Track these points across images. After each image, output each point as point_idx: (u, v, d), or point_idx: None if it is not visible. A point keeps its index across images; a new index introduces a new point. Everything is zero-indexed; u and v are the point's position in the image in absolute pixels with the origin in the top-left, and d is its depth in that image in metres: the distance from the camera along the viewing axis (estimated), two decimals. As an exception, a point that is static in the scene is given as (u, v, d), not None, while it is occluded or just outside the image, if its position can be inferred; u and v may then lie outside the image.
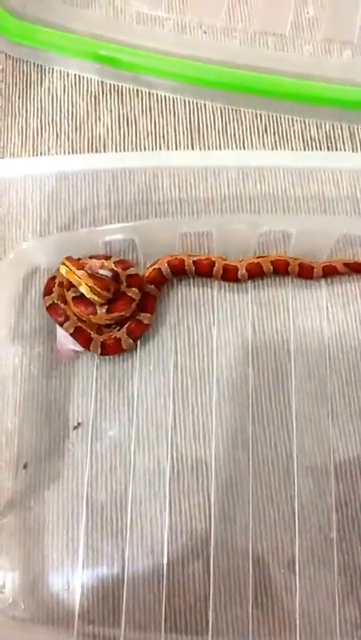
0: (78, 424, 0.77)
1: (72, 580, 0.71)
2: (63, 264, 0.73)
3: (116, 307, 0.76)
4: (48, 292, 0.78)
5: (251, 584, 0.71)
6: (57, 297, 0.77)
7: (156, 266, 0.79)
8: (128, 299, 0.76)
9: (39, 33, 0.91)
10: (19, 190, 0.78)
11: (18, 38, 0.93)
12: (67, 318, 0.76)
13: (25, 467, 0.76)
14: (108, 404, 0.78)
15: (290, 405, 0.77)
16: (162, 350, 0.80)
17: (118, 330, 0.77)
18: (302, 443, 0.76)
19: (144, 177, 0.81)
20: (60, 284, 0.77)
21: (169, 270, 0.79)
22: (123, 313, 0.76)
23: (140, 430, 0.76)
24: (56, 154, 0.89)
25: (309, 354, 0.79)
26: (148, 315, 0.78)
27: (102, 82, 0.94)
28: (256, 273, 0.79)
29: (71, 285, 0.76)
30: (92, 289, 0.73)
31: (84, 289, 0.73)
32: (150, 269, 0.79)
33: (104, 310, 0.75)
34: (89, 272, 0.73)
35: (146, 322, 0.78)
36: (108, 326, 0.78)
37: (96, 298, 0.74)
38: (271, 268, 0.79)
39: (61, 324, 0.77)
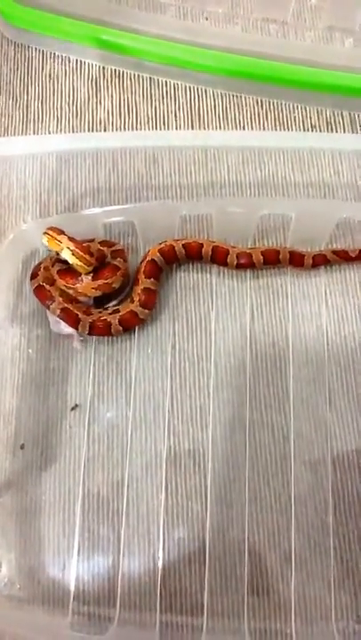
0: (76, 405, 0.77)
1: (68, 561, 0.71)
2: (45, 233, 0.73)
3: (101, 274, 0.76)
4: (34, 275, 0.78)
5: (246, 567, 0.71)
6: (43, 279, 0.77)
7: (148, 257, 0.79)
8: (113, 266, 0.77)
9: (41, 18, 0.91)
10: (19, 172, 0.78)
11: (20, 23, 0.93)
12: (53, 300, 0.76)
13: (22, 447, 0.75)
14: (105, 387, 0.78)
15: (287, 391, 0.77)
16: (160, 333, 0.80)
17: (110, 314, 0.77)
18: (300, 428, 0.76)
19: (144, 160, 0.81)
20: (46, 267, 0.77)
21: (162, 259, 0.79)
22: (108, 281, 0.76)
23: (137, 413, 0.76)
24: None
25: (308, 340, 0.79)
26: (147, 311, 0.78)
27: (103, 67, 0.94)
28: (247, 262, 0.79)
29: (56, 261, 0.76)
30: (74, 252, 0.73)
31: (67, 254, 0.73)
32: (145, 263, 0.79)
33: (90, 278, 0.76)
34: (70, 236, 0.74)
35: (142, 317, 0.78)
36: (99, 305, 0.78)
37: (79, 262, 0.74)
38: (261, 258, 0.79)
39: (48, 307, 0.77)
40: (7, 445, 0.76)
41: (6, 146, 0.72)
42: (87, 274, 0.76)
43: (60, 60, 0.95)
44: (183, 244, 0.79)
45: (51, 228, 0.74)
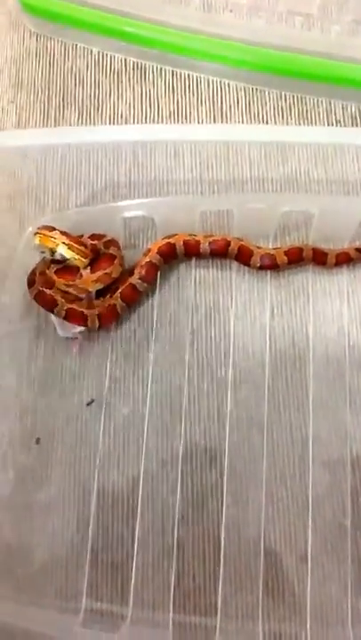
0: (92, 401, 0.76)
1: (81, 557, 0.71)
2: (36, 234, 0.73)
3: (99, 265, 0.76)
4: (31, 283, 0.77)
5: (262, 569, 0.70)
6: (41, 284, 0.76)
7: (171, 240, 0.78)
8: (109, 256, 0.76)
9: (63, 9, 0.90)
10: (39, 164, 0.78)
11: (41, 14, 0.92)
12: (55, 303, 0.75)
13: (37, 442, 0.75)
14: (122, 382, 0.77)
15: (307, 391, 0.76)
16: (178, 330, 0.79)
17: (111, 297, 0.77)
18: (318, 429, 0.74)
19: (165, 155, 0.80)
20: (42, 272, 0.77)
21: (183, 249, 0.78)
22: (107, 271, 0.76)
23: (153, 410, 0.76)
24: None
25: (328, 340, 0.78)
26: (145, 284, 0.77)
27: (125, 59, 0.93)
28: (270, 264, 0.78)
29: (50, 263, 0.76)
30: (70, 246, 0.73)
31: (63, 249, 0.73)
32: (162, 241, 0.78)
33: (88, 271, 0.75)
34: (62, 231, 0.73)
35: (140, 289, 0.77)
36: (99, 297, 0.78)
37: (76, 256, 0.74)
38: (285, 259, 0.78)
39: (52, 311, 0.76)
40: (22, 440, 0.75)
41: (25, 138, 0.71)
42: (85, 267, 0.75)
43: (81, 52, 0.94)
44: (210, 242, 0.78)
45: (41, 228, 0.73)
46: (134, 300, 0.78)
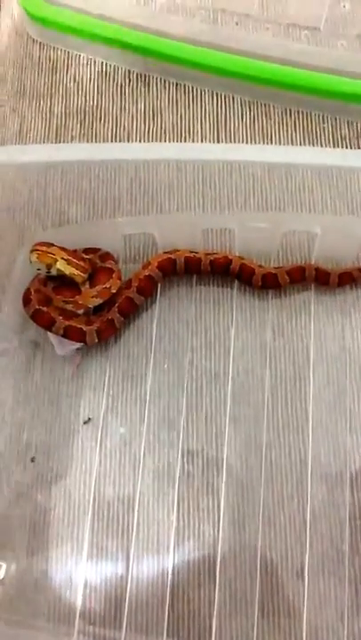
0: (89, 419, 0.75)
1: (75, 578, 0.70)
2: (33, 251, 0.71)
3: (97, 279, 0.75)
4: (27, 302, 0.76)
5: (258, 593, 0.69)
6: (37, 303, 0.75)
7: (172, 255, 0.78)
8: (106, 270, 0.75)
9: (67, 18, 0.90)
10: (39, 178, 0.77)
11: (45, 23, 0.91)
12: (53, 321, 0.74)
13: (32, 460, 0.74)
14: (119, 401, 0.76)
15: (307, 412, 0.75)
16: (177, 348, 0.78)
17: (109, 311, 0.76)
18: (318, 451, 0.73)
19: (167, 170, 0.79)
20: (37, 290, 0.76)
21: (183, 265, 0.78)
22: (106, 285, 0.75)
23: (150, 429, 0.75)
24: (80, 142, 0.88)
25: (329, 360, 0.77)
26: (142, 297, 0.77)
27: (129, 71, 0.92)
28: (272, 284, 0.77)
29: (46, 280, 0.75)
30: (68, 261, 0.72)
31: (61, 265, 0.71)
32: (163, 256, 0.78)
33: (87, 286, 0.74)
34: (60, 246, 0.72)
35: (137, 302, 0.77)
36: (97, 312, 0.77)
37: (75, 271, 0.72)
38: (287, 279, 0.77)
39: (49, 329, 0.75)
40: (18, 457, 0.74)
41: (27, 153, 0.70)
42: (84, 282, 0.74)
43: (85, 62, 0.93)
44: (211, 260, 0.77)
45: (38, 244, 0.72)
46: (131, 313, 0.77)
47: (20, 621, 0.69)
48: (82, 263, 0.73)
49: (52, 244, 0.72)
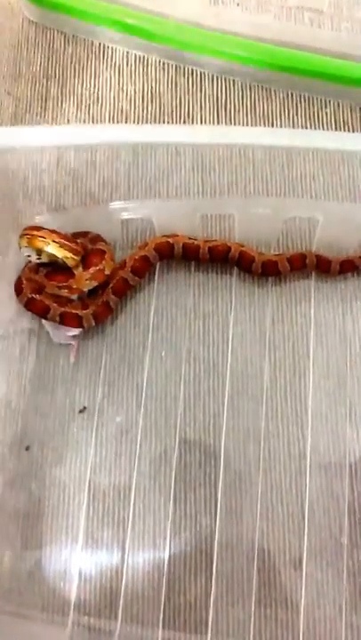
0: (84, 408, 0.74)
1: (69, 569, 0.69)
2: (24, 235, 0.70)
3: (90, 261, 0.73)
4: (19, 291, 0.74)
5: (254, 585, 0.68)
6: (30, 291, 0.73)
7: (170, 239, 0.76)
8: (98, 251, 0.74)
9: (64, -1, 0.87)
10: (35, 161, 0.75)
11: (42, 4, 0.89)
12: (48, 309, 0.73)
13: (27, 449, 0.73)
14: (115, 389, 0.75)
15: (306, 402, 0.74)
16: (175, 336, 0.76)
17: (102, 293, 0.75)
18: (317, 442, 0.72)
19: (166, 154, 0.77)
20: (28, 278, 0.74)
21: (181, 251, 0.76)
22: (99, 267, 0.73)
23: (147, 418, 0.73)
24: (76, 126, 0.85)
25: (330, 349, 0.76)
26: (137, 278, 0.76)
27: (128, 52, 0.89)
28: (272, 271, 0.76)
29: (37, 266, 0.73)
30: (61, 244, 0.70)
31: (53, 248, 0.70)
32: (160, 238, 0.76)
33: (81, 269, 0.73)
34: (50, 229, 0.70)
35: (132, 283, 0.75)
36: (91, 296, 0.76)
37: (68, 254, 0.71)
38: (288, 266, 0.76)
39: (45, 317, 0.74)
40: (12, 446, 0.73)
41: (22, 136, 0.68)
42: (77, 266, 0.72)
43: (82, 44, 0.91)
44: (210, 247, 0.75)
45: (27, 228, 0.70)
46: (126, 293, 0.76)
47: (13, 612, 0.68)
48: (74, 246, 0.72)
49: (42, 228, 0.70)
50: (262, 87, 0.87)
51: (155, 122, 0.86)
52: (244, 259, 0.75)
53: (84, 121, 0.87)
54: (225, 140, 0.66)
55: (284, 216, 0.74)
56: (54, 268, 0.73)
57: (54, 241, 0.70)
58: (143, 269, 0.76)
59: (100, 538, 0.70)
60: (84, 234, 0.76)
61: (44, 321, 0.75)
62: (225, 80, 0.87)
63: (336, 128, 0.84)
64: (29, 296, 0.73)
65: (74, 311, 0.73)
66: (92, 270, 0.73)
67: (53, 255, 0.71)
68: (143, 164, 0.77)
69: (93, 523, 0.70)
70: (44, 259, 0.72)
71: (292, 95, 0.86)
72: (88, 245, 0.74)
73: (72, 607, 0.68)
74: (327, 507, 0.70)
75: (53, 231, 0.71)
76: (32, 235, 0.69)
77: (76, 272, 0.73)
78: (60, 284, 0.73)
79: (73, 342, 0.76)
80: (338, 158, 0.77)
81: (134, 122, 0.86)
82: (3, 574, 0.69)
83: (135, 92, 0.88)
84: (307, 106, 0.86)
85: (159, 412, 0.74)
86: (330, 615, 0.67)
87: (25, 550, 0.70)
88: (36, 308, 0.73)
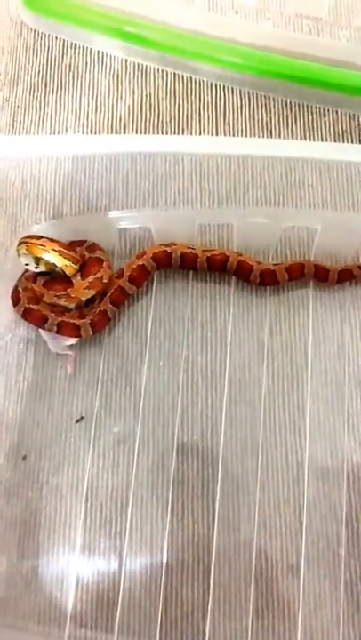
0: (82, 417, 0.74)
1: (66, 580, 0.69)
2: (22, 243, 0.70)
3: (88, 270, 0.73)
4: (16, 301, 0.74)
5: (252, 596, 0.68)
6: (27, 301, 0.73)
7: (168, 248, 0.76)
8: (96, 260, 0.73)
9: (63, 6, 0.87)
10: (33, 170, 0.75)
11: (40, 11, 0.88)
12: (45, 319, 0.73)
13: (24, 458, 0.73)
14: (113, 399, 0.75)
15: (304, 411, 0.73)
16: (173, 345, 0.76)
17: (101, 302, 0.75)
18: (315, 452, 0.72)
19: (164, 163, 0.77)
20: (25, 288, 0.74)
21: (179, 260, 0.76)
22: (98, 275, 0.73)
23: (145, 428, 0.73)
24: (74, 133, 0.85)
25: (327, 359, 0.75)
26: (135, 287, 0.75)
27: (126, 60, 0.89)
28: (270, 281, 0.76)
29: (35, 276, 0.73)
30: (60, 252, 0.70)
31: (52, 256, 0.70)
32: (156, 247, 0.76)
33: (79, 278, 0.72)
34: (49, 238, 0.70)
35: (129, 292, 0.75)
36: (88, 305, 0.75)
37: (67, 262, 0.71)
38: (286, 276, 0.76)
39: (42, 327, 0.74)
40: (9, 455, 0.73)
41: (20, 145, 0.68)
42: (75, 275, 0.72)
43: (80, 51, 0.90)
44: (208, 257, 0.75)
45: (26, 237, 0.70)
46: (123, 302, 0.76)
47: (9, 623, 0.68)
48: (73, 254, 0.72)
49: (42, 236, 0.70)
50: (261, 95, 0.87)
51: (153, 129, 0.86)
52: (242, 268, 0.75)
53: (83, 128, 0.87)
54: (223, 150, 0.66)
55: (283, 225, 0.74)
56: (52, 277, 0.73)
57: (54, 249, 0.70)
58: (141, 278, 0.75)
59: (98, 548, 0.70)
60: (81, 242, 0.75)
61: (40, 330, 0.75)
62: (223, 88, 0.87)
63: (335, 136, 0.84)
64: (26, 306, 0.73)
65: (71, 321, 0.73)
66: (90, 279, 0.73)
67: (52, 263, 0.71)
68: (141, 172, 0.77)
69: (90, 532, 0.70)
70: (42, 267, 0.72)
71: (290, 103, 0.86)
72: (86, 254, 0.74)
73: (68, 618, 0.67)
74: (325, 517, 0.70)
75: (52, 239, 0.70)
76: (31, 242, 0.69)
77: (74, 280, 0.73)
78: (59, 293, 0.73)
79: (70, 352, 0.75)
80: (336, 168, 0.77)
81: (132, 129, 0.86)
82: (-1, 584, 0.69)
83: (133, 100, 0.88)
84: (305, 114, 0.86)
85: (157, 422, 0.73)
86: (327, 626, 0.67)
87: (21, 560, 0.70)
88: (33, 318, 0.73)
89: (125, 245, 0.79)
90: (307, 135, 0.85)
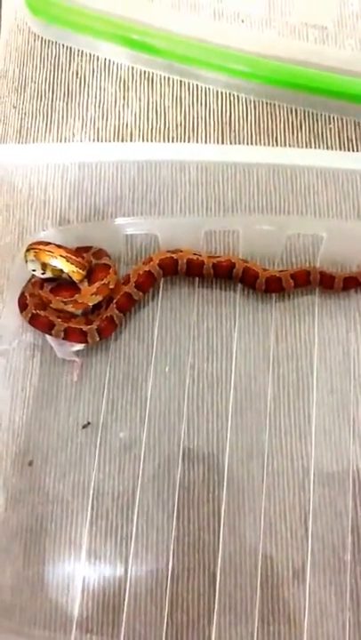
0: (88, 423, 0.74)
1: (72, 586, 0.69)
2: (30, 249, 0.70)
3: (95, 276, 0.73)
4: (23, 307, 0.75)
5: (258, 603, 0.67)
6: (34, 307, 0.74)
7: (174, 255, 0.76)
8: (103, 266, 0.74)
9: (70, 14, 0.88)
10: (40, 177, 0.75)
11: (48, 19, 0.89)
12: (52, 325, 0.73)
13: (30, 464, 0.73)
14: (119, 405, 0.75)
15: (310, 418, 0.74)
16: (179, 352, 0.77)
17: (107, 308, 0.75)
18: (320, 459, 0.72)
19: (171, 170, 0.78)
20: (32, 294, 0.74)
21: (185, 267, 0.76)
22: (105, 281, 0.73)
23: (151, 434, 0.73)
24: (81, 140, 0.86)
25: (333, 366, 0.76)
26: (141, 293, 0.76)
27: (133, 68, 0.90)
28: (276, 288, 0.76)
29: (42, 282, 0.73)
30: (68, 259, 0.71)
31: (60, 262, 0.70)
32: (164, 254, 0.76)
33: (86, 284, 0.73)
34: (57, 244, 0.70)
35: (136, 297, 0.76)
36: (94, 311, 0.76)
37: (75, 268, 0.71)
38: (292, 282, 0.76)
39: (49, 333, 0.74)
40: (15, 461, 0.73)
41: (27, 152, 0.68)
42: (82, 281, 0.73)
43: (87, 59, 0.91)
44: (214, 263, 0.76)
45: (34, 243, 0.71)
46: (130, 308, 0.76)
47: (15, 629, 0.68)
48: (80, 260, 0.72)
49: (49, 242, 0.71)
50: (266, 103, 0.87)
51: (159, 136, 0.87)
52: (248, 275, 0.75)
53: (89, 135, 0.87)
54: (229, 158, 0.66)
55: (288, 233, 0.75)
56: (59, 283, 0.73)
57: (61, 255, 0.70)
58: (147, 285, 0.76)
59: (103, 553, 0.70)
60: (87, 249, 0.76)
61: (47, 336, 0.75)
62: (229, 96, 0.88)
63: (340, 144, 0.85)
64: (33, 312, 0.73)
65: (78, 326, 0.73)
66: (97, 285, 0.73)
67: (59, 269, 0.71)
68: (148, 180, 0.77)
69: (96, 539, 0.70)
70: (49, 273, 0.72)
71: (296, 111, 0.87)
72: (92, 260, 0.75)
73: (74, 625, 0.67)
74: (331, 523, 0.70)
75: (60, 246, 0.71)
76: (39, 249, 0.70)
77: (81, 287, 0.73)
78: (66, 299, 0.73)
79: (76, 359, 0.75)
80: (342, 176, 0.77)
81: (139, 136, 0.87)
82: (4, 590, 0.69)
83: (140, 107, 0.88)
84: (311, 122, 0.86)
85: (163, 428, 0.74)
86: (333, 632, 0.67)
87: (27, 566, 0.70)
88: (40, 324, 0.73)
89: (132, 252, 0.79)
90: (312, 142, 0.85)
